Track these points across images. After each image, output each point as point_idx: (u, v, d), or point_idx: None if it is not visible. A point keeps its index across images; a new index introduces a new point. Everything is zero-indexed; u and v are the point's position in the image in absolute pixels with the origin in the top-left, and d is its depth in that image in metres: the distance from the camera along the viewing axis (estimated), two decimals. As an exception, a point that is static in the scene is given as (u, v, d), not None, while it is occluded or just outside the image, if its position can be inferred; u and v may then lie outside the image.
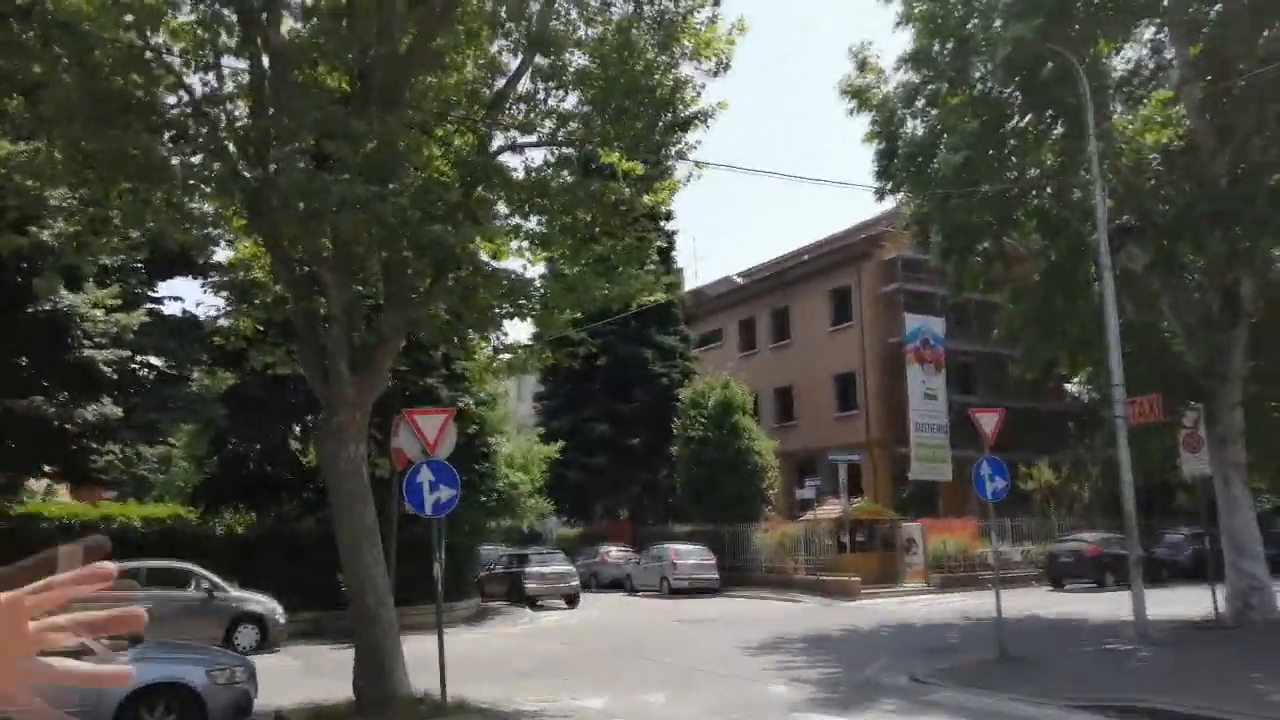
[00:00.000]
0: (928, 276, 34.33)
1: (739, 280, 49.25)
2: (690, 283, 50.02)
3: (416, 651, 11.52)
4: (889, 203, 26.28)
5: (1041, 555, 28.97)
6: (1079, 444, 36.98)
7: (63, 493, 29.80)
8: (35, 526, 18.16)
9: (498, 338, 12.66)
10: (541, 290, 10.96)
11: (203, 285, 19.16)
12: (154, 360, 19.92)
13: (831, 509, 29.62)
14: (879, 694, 11.73)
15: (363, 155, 9.59)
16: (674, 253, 41.40)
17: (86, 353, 17.28)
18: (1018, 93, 20.02)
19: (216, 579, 17.22)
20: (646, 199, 12.63)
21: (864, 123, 22.08)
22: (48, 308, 16.27)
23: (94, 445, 18.85)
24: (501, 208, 11.83)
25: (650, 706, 11.17)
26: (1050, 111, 20.04)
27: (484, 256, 11.89)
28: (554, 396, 39.83)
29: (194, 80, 10.67)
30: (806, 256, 44.35)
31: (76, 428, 17.18)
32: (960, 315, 38.20)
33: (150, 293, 20.85)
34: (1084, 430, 39.10)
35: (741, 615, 22.31)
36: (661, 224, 40.32)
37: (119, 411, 17.08)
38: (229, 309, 14.68)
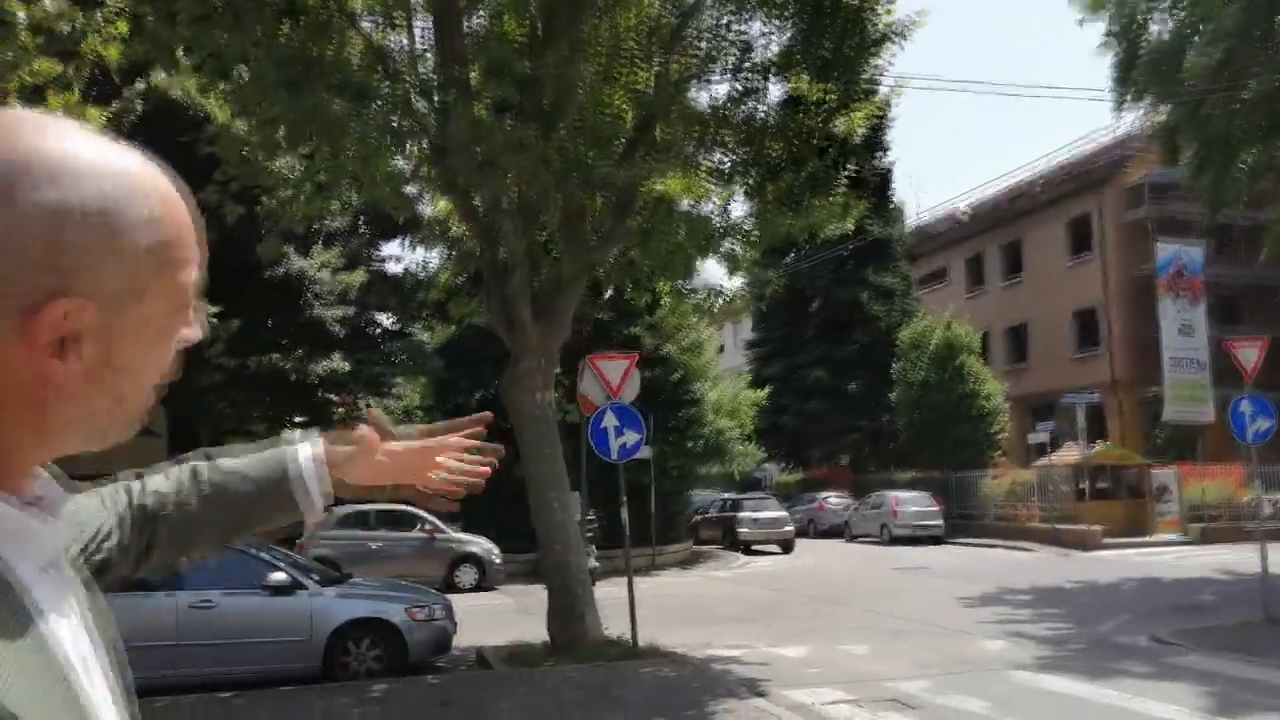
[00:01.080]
0: (1182, 199, 30.60)
1: (965, 215, 46.18)
2: (911, 220, 47.59)
3: (622, 594, 11.53)
4: (1130, 121, 23.51)
5: (1327, 506, 25.40)
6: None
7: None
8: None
9: (684, 281, 12.32)
10: (721, 227, 10.46)
11: (404, 243, 20.07)
12: (378, 317, 21.19)
13: (1069, 454, 27.34)
14: (1114, 655, 10.58)
15: (535, 98, 9.44)
16: (891, 188, 39.41)
17: (316, 311, 18.57)
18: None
19: (439, 522, 18.20)
20: (840, 126, 11.78)
21: (1097, 33, 19.74)
22: (282, 271, 17.57)
23: (331, 397, 20.38)
24: (689, 146, 11.42)
25: (851, 658, 10.64)
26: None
27: (674, 198, 11.58)
28: (766, 343, 39.20)
29: (388, 41, 11.00)
30: (1040, 185, 40.81)
31: (313, 381, 18.58)
32: (1222, 240, 33.93)
33: (374, 253, 22.12)
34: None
35: (964, 565, 21.08)
36: (874, 157, 38.46)
37: (346, 365, 18.29)
38: (437, 265, 15.23)
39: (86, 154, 0.72)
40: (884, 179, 38.86)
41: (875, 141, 38.76)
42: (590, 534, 18.45)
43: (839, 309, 36.60)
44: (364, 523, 17.46)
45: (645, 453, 21.18)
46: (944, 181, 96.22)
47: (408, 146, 9.73)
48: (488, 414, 1.32)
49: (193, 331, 0.81)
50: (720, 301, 12.71)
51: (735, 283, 22.97)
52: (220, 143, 9.78)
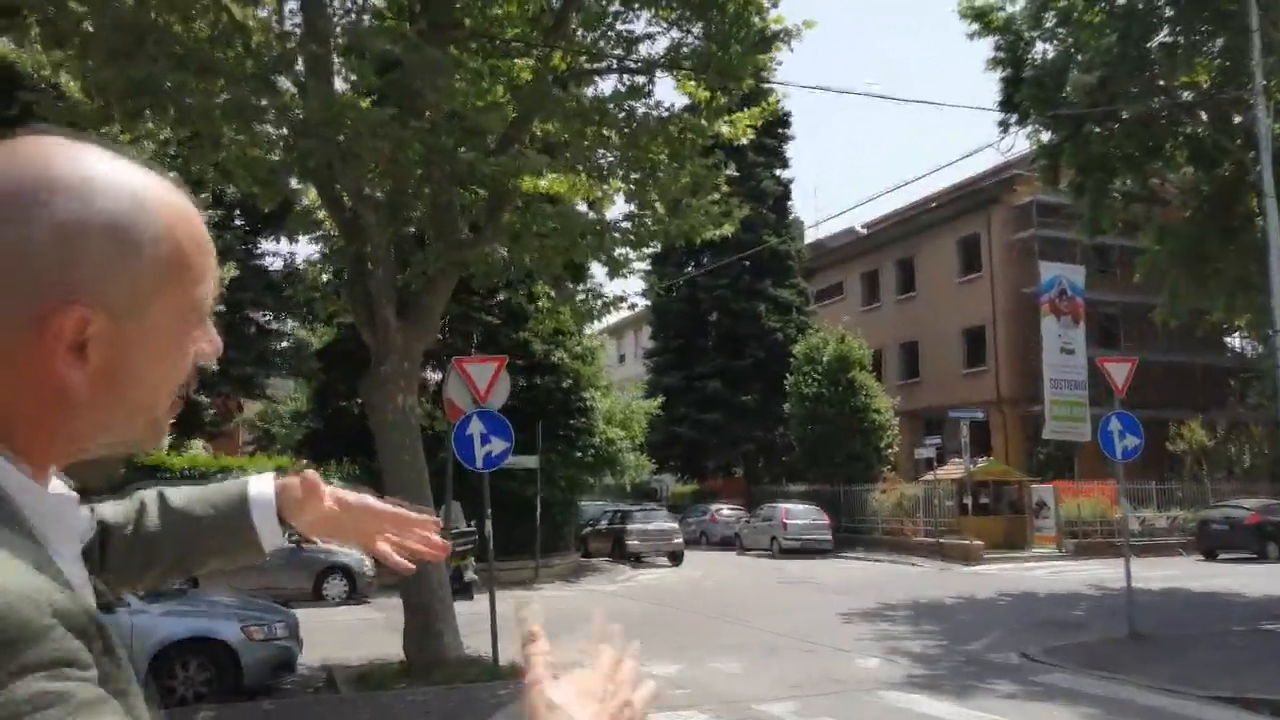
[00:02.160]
0: (1066, 221, 31.60)
1: (862, 231, 46.98)
2: (811, 235, 48.19)
3: (502, 609, 10.90)
4: (1019, 142, 24.04)
5: (1192, 523, 26.43)
6: (1239, 402, 33.71)
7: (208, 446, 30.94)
8: (155, 476, 18.72)
9: (568, 283, 11.84)
10: (597, 227, 10.02)
11: (274, 236, 19.12)
12: (253, 314, 20.09)
13: (953, 469, 27.83)
14: (984, 673, 10.48)
15: (400, 83, 8.85)
16: (790, 202, 39.87)
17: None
18: (1167, 2, 17.67)
19: (306, 531, 17.23)
20: (725, 130, 11.50)
21: (987, 48, 20.10)
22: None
23: (200, 398, 19.19)
24: (567, 142, 10.95)
25: (722, 677, 10.27)
26: (1206, 20, 17.61)
27: (555, 195, 11.10)
28: (664, 353, 39.02)
29: (252, 16, 10.21)
30: (935, 204, 41.76)
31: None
32: (1102, 263, 35.19)
33: (251, 247, 20.99)
34: (1245, 387, 35.64)
35: (849, 579, 21.10)
36: (773, 171, 38.82)
37: (213, 364, 17.20)
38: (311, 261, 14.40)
39: (98, 172, 0.77)
40: (783, 193, 39.22)
41: (774, 155, 39.19)
42: (469, 545, 17.78)
43: (737, 321, 36.67)
44: (225, 532, 16.34)
45: (530, 462, 20.60)
46: (845, 197, 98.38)
47: (257, 127, 8.97)
48: (438, 521, 1.28)
49: (211, 347, 0.85)
50: (600, 305, 12.26)
51: (620, 286, 22.58)
52: (44, 109, 8.87)
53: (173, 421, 0.89)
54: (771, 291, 37.07)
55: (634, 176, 10.92)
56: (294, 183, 11.89)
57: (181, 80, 8.17)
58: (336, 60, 9.77)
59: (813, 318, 37.89)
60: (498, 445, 9.99)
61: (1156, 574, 20.05)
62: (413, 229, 10.87)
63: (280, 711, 8.75)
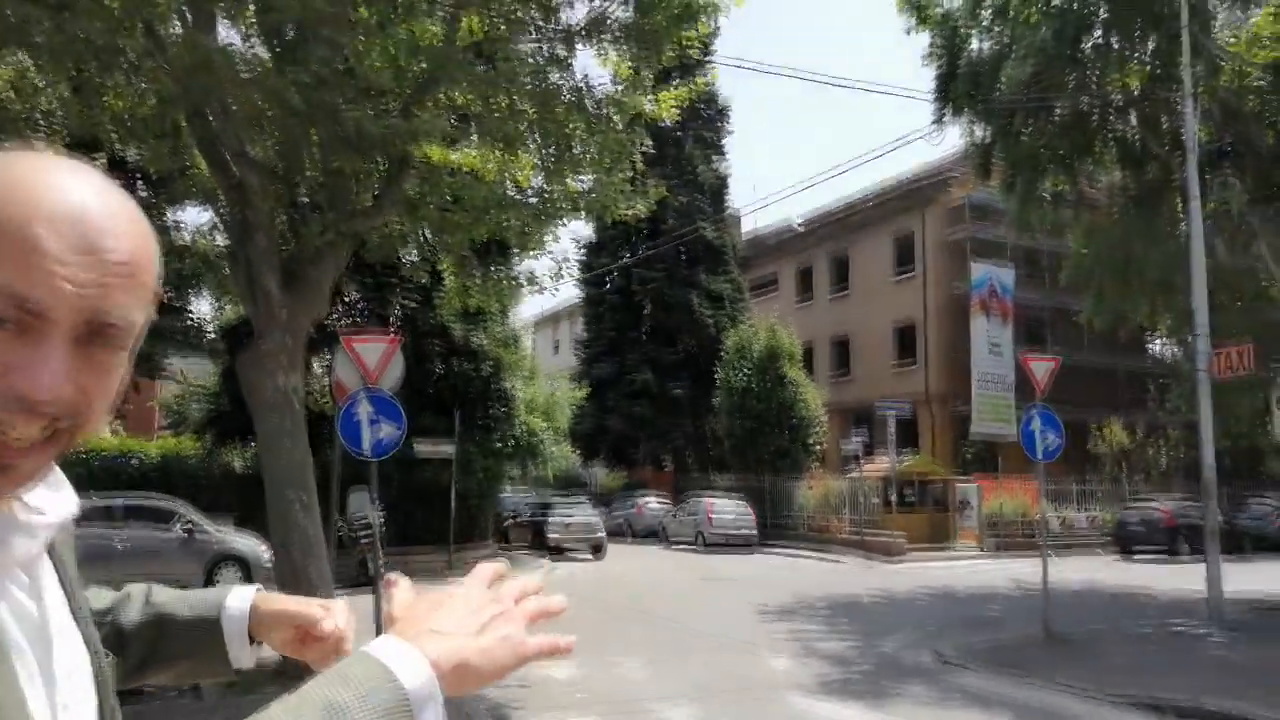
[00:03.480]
0: (998, 223, 31.83)
1: (798, 226, 46.90)
2: (749, 227, 47.96)
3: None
4: (952, 138, 23.97)
5: (1111, 521, 26.75)
6: (1158, 405, 34.33)
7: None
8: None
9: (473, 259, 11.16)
10: (501, 199, 9.37)
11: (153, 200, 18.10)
12: (152, 289, 18.95)
13: (880, 464, 27.76)
14: (896, 675, 10.14)
15: (274, 29, 8.10)
16: (727, 194, 39.44)
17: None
18: (1101, 2, 17.59)
19: (199, 517, 16.29)
20: (648, 107, 10.92)
21: (924, 43, 19.87)
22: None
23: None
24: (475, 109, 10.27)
25: (624, 679, 9.74)
26: (1139, 23, 17.57)
27: (465, 167, 10.42)
28: (595, 342, 38.43)
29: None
30: (871, 202, 41.81)
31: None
32: (1032, 265, 35.58)
33: (157, 218, 19.80)
34: (1164, 391, 36.34)
35: (771, 574, 20.79)
36: (710, 160, 38.41)
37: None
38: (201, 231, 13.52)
39: None
40: (720, 185, 38.86)
41: (711, 146, 38.80)
42: (372, 535, 16.98)
43: (670, 312, 36.24)
44: (110, 517, 15.31)
45: (447, 450, 19.87)
46: (784, 193, 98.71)
47: (118, 75, 8.14)
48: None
49: (18, 377, 0.71)
50: (506, 284, 11.60)
51: (542, 267, 21.89)
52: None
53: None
54: (706, 283, 36.71)
55: (547, 150, 10.30)
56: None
57: (27, 13, 7.31)
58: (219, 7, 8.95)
59: (746, 311, 37.65)
60: (387, 430, 9.30)
61: (1075, 572, 20.13)
62: (306, 198, 10.09)
63: (132, 717, 7.97)
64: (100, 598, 1.10)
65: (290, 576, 9.06)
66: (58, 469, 0.83)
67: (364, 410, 9.16)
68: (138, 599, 1.12)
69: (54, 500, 0.83)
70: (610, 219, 9.88)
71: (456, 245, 10.10)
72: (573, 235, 37.92)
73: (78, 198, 0.72)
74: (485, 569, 0.88)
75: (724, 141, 39.59)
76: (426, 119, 8.40)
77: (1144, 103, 18.41)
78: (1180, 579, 18.09)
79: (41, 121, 10.34)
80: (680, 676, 9.84)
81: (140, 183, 18.95)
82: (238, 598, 1.12)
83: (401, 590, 0.88)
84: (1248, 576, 17.39)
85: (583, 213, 9.71)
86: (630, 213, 9.69)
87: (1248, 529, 25.81)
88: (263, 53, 8.61)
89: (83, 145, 12.32)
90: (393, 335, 9.91)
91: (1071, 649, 11.31)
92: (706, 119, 38.60)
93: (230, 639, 1.10)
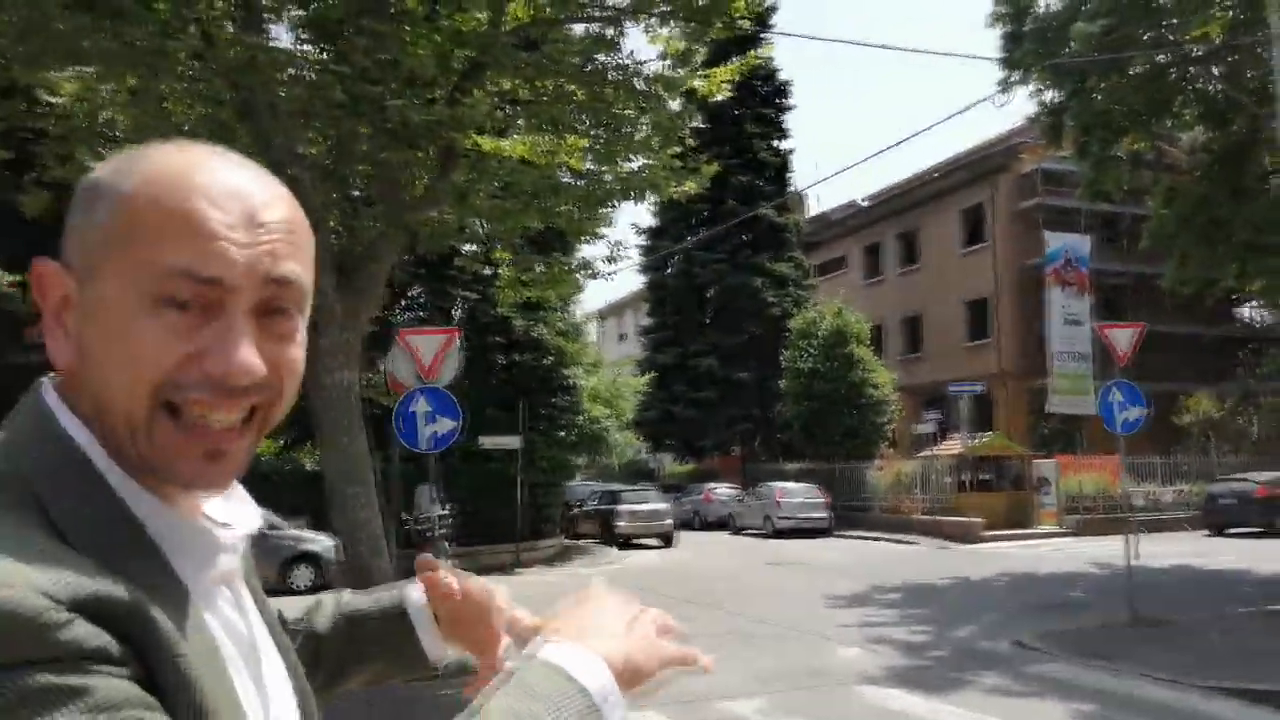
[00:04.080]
0: (1072, 190, 30.65)
1: (864, 203, 45.99)
2: (815, 208, 47.25)
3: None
4: (1021, 104, 23.04)
5: (1199, 497, 25.61)
6: (1249, 373, 32.79)
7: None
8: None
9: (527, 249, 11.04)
10: (550, 185, 9.20)
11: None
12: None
13: (953, 445, 27.03)
14: (972, 664, 9.76)
15: (321, 27, 8.05)
16: (789, 174, 38.82)
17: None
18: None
19: (274, 517, 16.58)
20: (700, 84, 10.66)
21: (989, 6, 19.14)
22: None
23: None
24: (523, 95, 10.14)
25: (688, 671, 9.55)
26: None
27: (514, 156, 10.31)
28: (659, 330, 38.21)
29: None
30: (938, 174, 40.73)
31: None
32: (1110, 233, 34.26)
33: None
34: (1256, 357, 34.69)
35: (843, 559, 20.40)
36: (770, 141, 37.83)
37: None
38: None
39: (132, 153, 0.77)
40: (782, 164, 38.26)
41: (772, 125, 38.19)
42: (444, 530, 17.11)
43: (733, 296, 35.83)
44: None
45: (512, 443, 19.89)
46: (848, 170, 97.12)
47: (168, 80, 8.19)
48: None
49: (214, 359, 0.72)
50: (559, 272, 11.44)
51: (592, 254, 21.61)
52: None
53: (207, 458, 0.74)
54: (769, 265, 36.20)
55: (597, 133, 10.12)
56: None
57: (79, 22, 7.38)
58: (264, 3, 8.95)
59: (812, 292, 37.06)
60: (444, 424, 9.26)
61: (1163, 551, 19.31)
62: (357, 192, 10.09)
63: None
64: (294, 608, 1.12)
65: (355, 573, 9.09)
66: (239, 484, 0.83)
67: (420, 405, 9.12)
68: (329, 604, 1.13)
69: (240, 514, 0.84)
70: (663, 199, 9.65)
71: (509, 234, 9.99)
72: (632, 222, 37.68)
73: (233, 177, 0.75)
74: (600, 584, 0.91)
75: (784, 120, 38.93)
76: (470, 105, 8.27)
77: (1227, 53, 17.44)
78: (1278, 557, 17.21)
79: (105, 131, 10.53)
80: (745, 667, 9.61)
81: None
82: (417, 588, 1.11)
83: (500, 594, 0.99)
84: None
85: (632, 195, 9.49)
86: (679, 191, 9.44)
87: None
88: (309, 49, 8.58)
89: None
90: (450, 328, 9.85)
91: (1159, 633, 10.78)
92: (765, 96, 38.01)
93: (421, 629, 1.10)
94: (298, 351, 0.78)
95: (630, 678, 0.80)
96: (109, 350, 0.72)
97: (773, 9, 36.42)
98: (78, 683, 0.60)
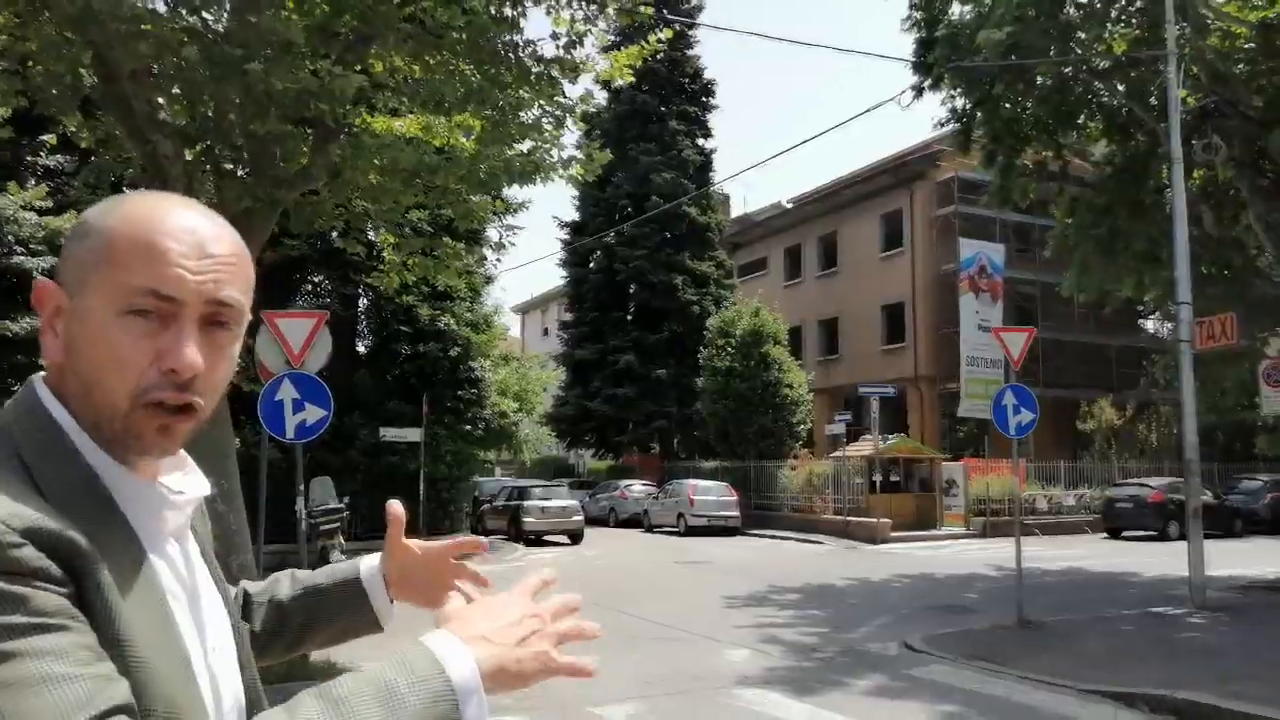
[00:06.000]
0: (986, 198, 31.18)
1: (787, 205, 46.26)
2: (738, 208, 47.38)
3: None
4: (929, 106, 23.29)
5: (1099, 501, 26.25)
6: (1150, 382, 33.78)
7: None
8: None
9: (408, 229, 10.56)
10: (430, 164, 8.76)
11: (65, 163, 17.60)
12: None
13: (864, 446, 27.24)
14: (857, 666, 9.64)
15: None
16: (711, 173, 38.76)
17: (16, 259, 15.77)
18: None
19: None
20: (602, 65, 10.33)
21: (902, 6, 19.24)
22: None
23: (40, 360, 17.50)
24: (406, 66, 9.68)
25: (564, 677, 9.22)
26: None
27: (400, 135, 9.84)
28: (579, 325, 37.84)
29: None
30: (860, 179, 41.14)
31: (10, 337, 15.75)
32: (1022, 242, 34.96)
33: (99, 194, 19.23)
34: (1157, 367, 35.79)
35: (748, 559, 20.31)
36: (694, 139, 37.75)
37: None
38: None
39: (130, 196, 0.97)
40: (705, 163, 38.22)
41: (696, 123, 38.13)
42: (336, 524, 16.52)
43: (654, 294, 35.65)
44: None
45: (413, 435, 19.33)
46: (772, 173, 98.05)
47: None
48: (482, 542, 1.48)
49: (172, 358, 0.91)
50: (452, 253, 10.99)
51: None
52: None
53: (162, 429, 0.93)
54: (691, 264, 36.11)
55: (487, 114, 9.70)
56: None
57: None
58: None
59: (734, 292, 37.09)
60: (314, 413, 8.74)
61: (1060, 553, 19.65)
62: (229, 165, 9.50)
63: None
64: (255, 584, 1.33)
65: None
66: (189, 458, 1.04)
67: (286, 392, 8.61)
68: (285, 580, 1.34)
69: (190, 483, 1.03)
70: (544, 183, 9.31)
71: (389, 215, 9.51)
72: (554, 214, 37.27)
73: (189, 219, 0.95)
74: (533, 580, 1.08)
75: (709, 119, 38.89)
76: (341, 76, 7.80)
77: (1129, 68, 17.77)
78: (1168, 561, 17.62)
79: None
80: (627, 671, 9.31)
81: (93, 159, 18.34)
82: (368, 560, 1.36)
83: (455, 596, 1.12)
84: (1236, 557, 16.93)
85: (515, 177, 9.10)
86: (566, 175, 9.09)
87: (1237, 508, 25.35)
88: (160, 6, 8.01)
89: (30, 126, 11.63)
90: (317, 311, 9.34)
91: (1044, 636, 10.82)
92: (691, 95, 37.92)
93: (373, 594, 1.33)
94: (227, 363, 0.97)
95: (497, 683, 0.92)
96: (92, 348, 0.91)
97: (699, 8, 36.39)
98: (20, 591, 0.77)
